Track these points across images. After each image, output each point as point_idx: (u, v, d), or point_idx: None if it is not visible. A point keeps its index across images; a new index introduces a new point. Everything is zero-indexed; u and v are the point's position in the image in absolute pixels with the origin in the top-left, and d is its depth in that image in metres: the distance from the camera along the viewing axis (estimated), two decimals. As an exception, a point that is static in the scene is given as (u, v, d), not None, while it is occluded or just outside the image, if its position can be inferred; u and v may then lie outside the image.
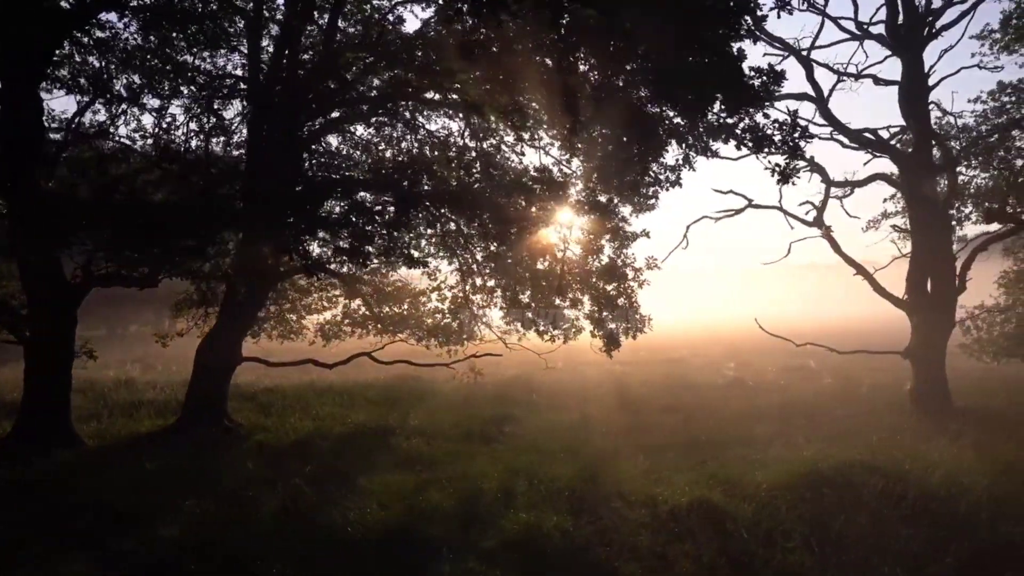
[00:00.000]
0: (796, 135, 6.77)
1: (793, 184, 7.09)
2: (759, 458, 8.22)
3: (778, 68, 6.59)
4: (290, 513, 6.76)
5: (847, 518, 5.62)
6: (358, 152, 15.98)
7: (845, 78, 12.99)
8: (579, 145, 13.04)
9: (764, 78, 6.50)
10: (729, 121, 6.63)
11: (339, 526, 6.38)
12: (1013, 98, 14.74)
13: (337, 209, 10.30)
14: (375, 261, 11.18)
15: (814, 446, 8.50)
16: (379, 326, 16.88)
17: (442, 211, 11.03)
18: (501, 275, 13.89)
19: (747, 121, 6.67)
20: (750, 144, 6.68)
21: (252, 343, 17.66)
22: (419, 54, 11.32)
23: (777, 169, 6.73)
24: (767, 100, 6.79)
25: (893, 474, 6.56)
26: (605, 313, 11.42)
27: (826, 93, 12.33)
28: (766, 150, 6.69)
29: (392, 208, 9.58)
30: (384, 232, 8.97)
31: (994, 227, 12.66)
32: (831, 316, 67.57)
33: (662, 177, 8.72)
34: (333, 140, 16.07)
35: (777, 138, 6.64)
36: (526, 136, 11.01)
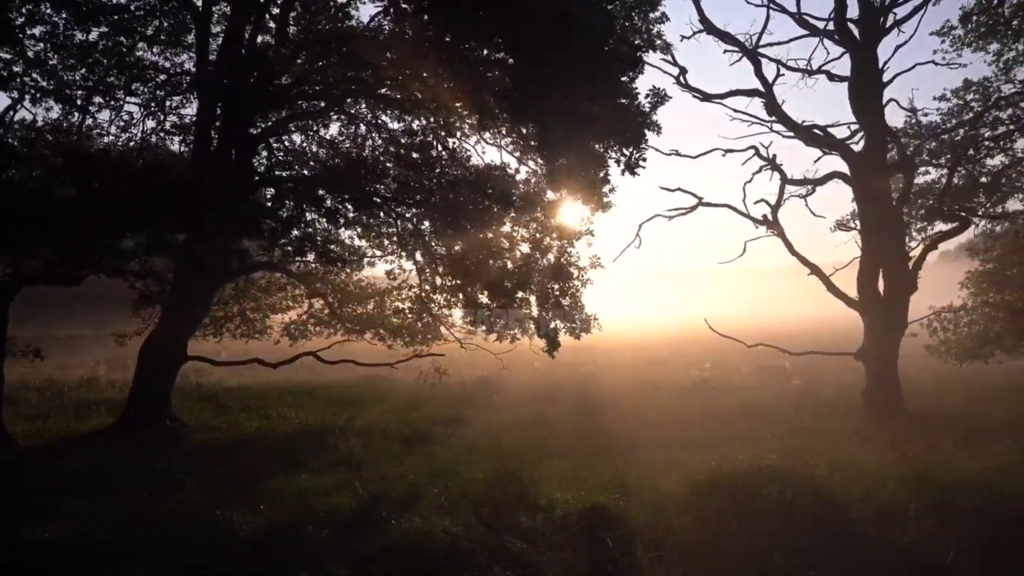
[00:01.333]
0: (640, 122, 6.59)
1: (636, 175, 6.90)
2: (678, 462, 8.03)
3: (639, 54, 6.44)
4: (181, 514, 6.64)
5: (726, 526, 5.44)
6: (323, 150, 15.90)
7: (795, 73, 12.76)
8: (532, 143, 12.92)
9: (624, 64, 6.33)
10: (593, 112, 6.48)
11: (225, 528, 6.24)
12: (978, 95, 14.48)
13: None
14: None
15: (736, 450, 8.31)
16: (347, 325, 16.79)
17: (346, 206, 10.84)
18: (455, 273, 13.74)
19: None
20: (606, 134, 6.52)
21: (214, 343, 17.58)
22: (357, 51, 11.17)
23: (623, 159, 6.57)
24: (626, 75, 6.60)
25: (796, 480, 6.37)
26: (548, 313, 11.25)
27: (773, 89, 12.11)
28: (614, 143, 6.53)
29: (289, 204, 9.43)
30: (279, 230, 8.83)
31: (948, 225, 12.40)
32: (809, 316, 67.20)
33: (585, 176, 8.56)
34: (297, 138, 16.08)
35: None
36: (455, 131, 10.82)
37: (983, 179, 15.47)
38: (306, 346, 17.17)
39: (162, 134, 14.99)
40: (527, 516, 6.32)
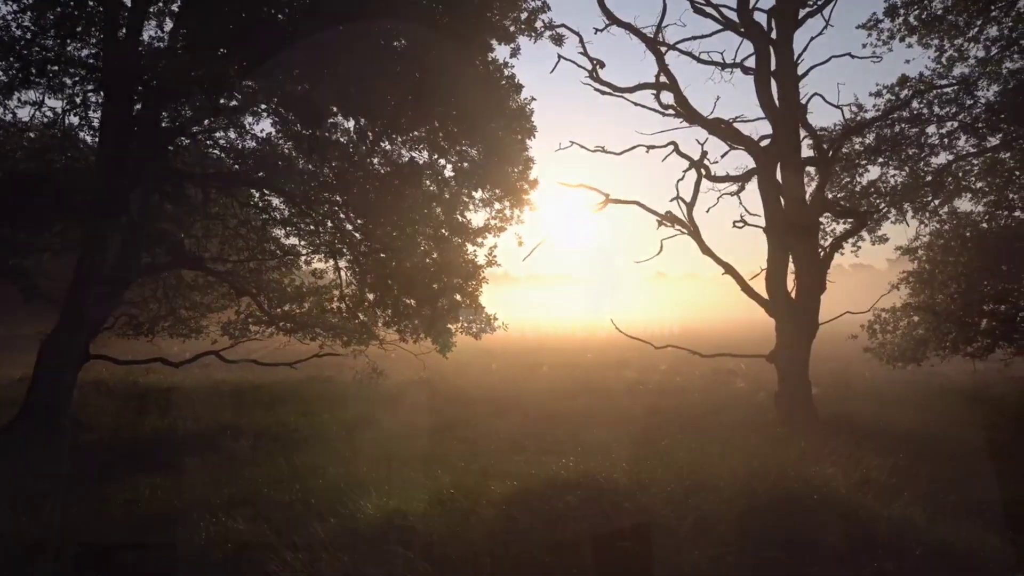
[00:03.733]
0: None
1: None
2: (528, 469, 7.71)
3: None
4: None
5: (510, 539, 5.15)
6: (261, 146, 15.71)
7: (713, 67, 12.36)
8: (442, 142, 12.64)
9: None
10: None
11: (38, 537, 6.04)
12: (912, 92, 14.00)
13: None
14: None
15: (594, 456, 7.98)
16: (283, 325, 16.65)
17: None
18: (370, 271, 13.50)
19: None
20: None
21: (147, 342, 17.45)
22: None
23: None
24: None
25: (606, 491, 6.03)
26: (443, 312, 10.98)
27: (677, 81, 11.70)
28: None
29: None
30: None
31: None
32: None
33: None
34: (233, 134, 15.91)
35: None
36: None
37: (928, 177, 15.06)
38: (250, 345, 17.14)
39: (90, 131, 14.93)
40: (324, 523, 6.05)
